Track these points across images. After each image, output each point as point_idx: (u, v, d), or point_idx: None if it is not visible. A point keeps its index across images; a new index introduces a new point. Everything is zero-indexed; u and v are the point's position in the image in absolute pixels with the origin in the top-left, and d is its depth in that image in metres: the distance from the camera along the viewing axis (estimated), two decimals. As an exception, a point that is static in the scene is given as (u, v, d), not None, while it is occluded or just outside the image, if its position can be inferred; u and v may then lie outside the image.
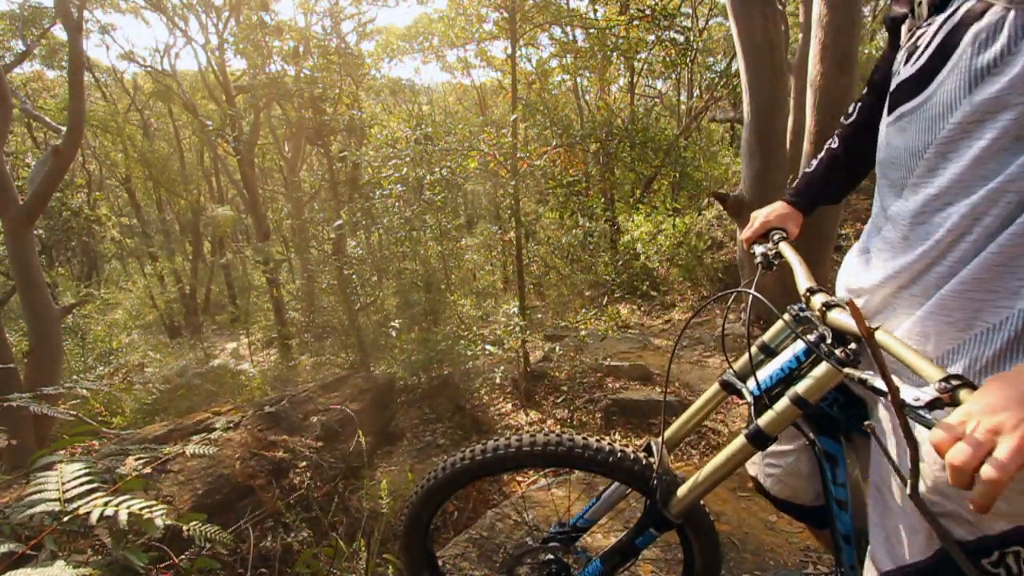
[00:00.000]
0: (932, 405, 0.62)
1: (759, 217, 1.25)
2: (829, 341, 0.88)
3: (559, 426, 4.42)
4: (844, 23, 4.96)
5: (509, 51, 5.60)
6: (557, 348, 5.52)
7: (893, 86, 0.88)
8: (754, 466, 1.31)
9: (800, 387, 0.90)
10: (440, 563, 1.91)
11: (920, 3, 0.85)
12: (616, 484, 1.21)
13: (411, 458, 4.35)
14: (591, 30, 8.45)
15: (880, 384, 0.69)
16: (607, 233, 9.17)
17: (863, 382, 0.74)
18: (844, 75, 5.11)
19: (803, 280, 0.96)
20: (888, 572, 0.88)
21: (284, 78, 7.03)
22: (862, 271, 0.96)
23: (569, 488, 2.44)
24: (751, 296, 0.98)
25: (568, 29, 10.48)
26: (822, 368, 0.88)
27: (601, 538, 2.02)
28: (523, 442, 1.12)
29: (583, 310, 5.95)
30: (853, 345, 0.85)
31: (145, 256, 18.70)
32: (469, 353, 4.95)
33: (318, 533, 2.51)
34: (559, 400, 4.74)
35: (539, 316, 8.33)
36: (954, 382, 0.60)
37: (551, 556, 1.24)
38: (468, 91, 19.45)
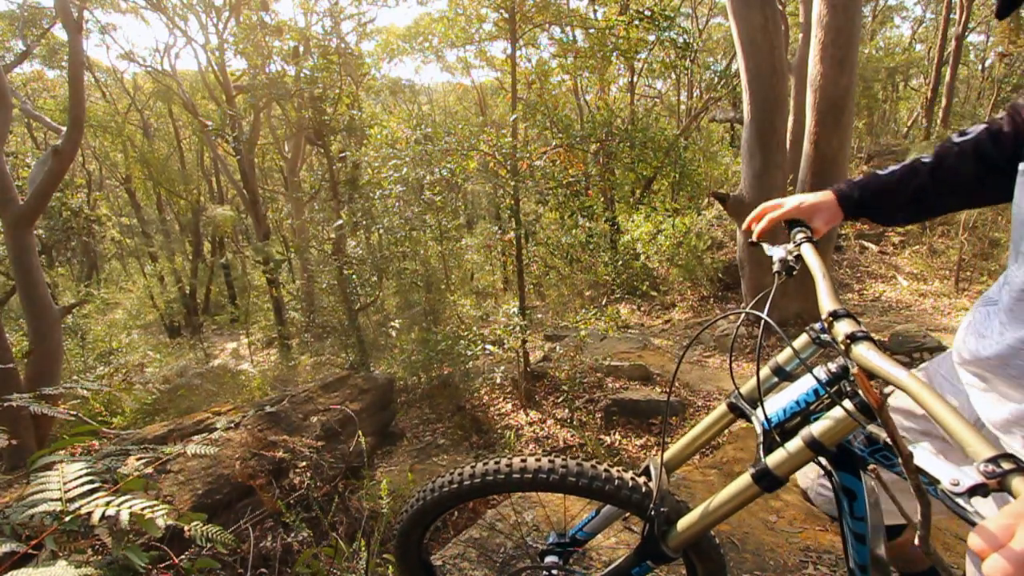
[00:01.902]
0: (974, 491, 0.51)
1: (792, 201, 1.06)
2: (852, 378, 0.77)
3: (559, 426, 4.42)
4: (844, 23, 4.97)
5: (509, 51, 5.61)
6: (557, 348, 5.52)
7: None
8: (806, 479, 1.22)
9: (816, 429, 0.80)
10: (441, 563, 1.91)
11: None
12: None
13: (411, 458, 4.35)
14: (591, 30, 8.45)
15: (928, 463, 0.58)
16: (607, 233, 9.18)
17: (886, 445, 0.62)
18: (844, 75, 5.11)
19: (827, 299, 0.81)
20: None
21: (284, 78, 7.03)
22: (976, 331, 0.85)
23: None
24: (763, 319, 0.85)
25: (568, 29, 10.49)
26: (841, 412, 0.78)
27: (601, 539, 2.02)
28: (513, 467, 1.08)
29: (583, 310, 5.96)
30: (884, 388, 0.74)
31: (145, 256, 18.71)
32: (469, 353, 4.95)
33: (318, 533, 2.51)
34: (559, 400, 4.74)
35: (539, 316, 8.33)
36: (1006, 465, 0.48)
37: (549, 573, 1.21)
38: (468, 91, 19.48)
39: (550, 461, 1.08)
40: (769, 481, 0.86)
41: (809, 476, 1.22)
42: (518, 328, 4.78)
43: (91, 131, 14.99)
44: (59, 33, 12.54)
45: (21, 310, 6.19)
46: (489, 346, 4.89)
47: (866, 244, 9.55)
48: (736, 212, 5.91)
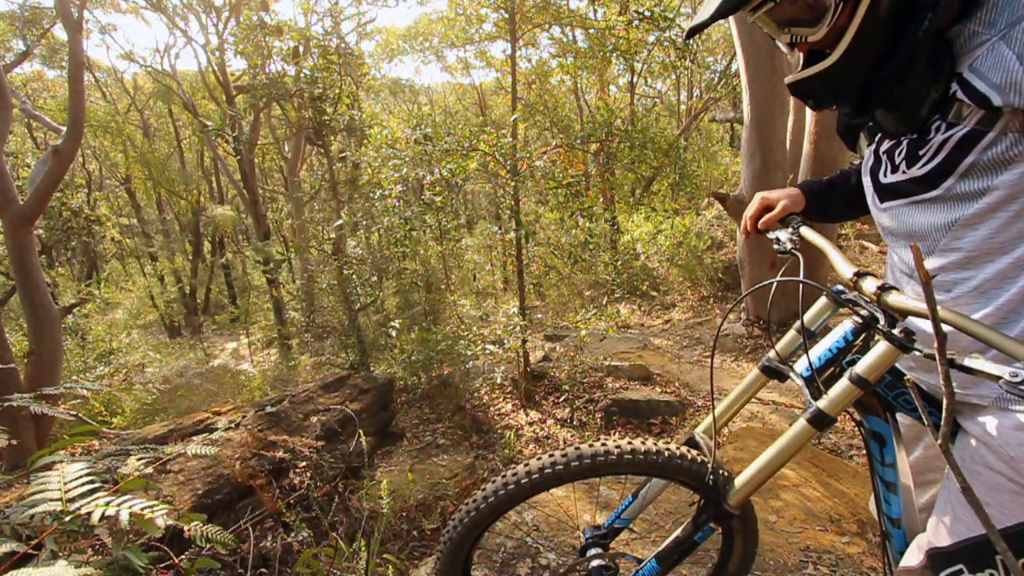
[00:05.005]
0: None
1: (779, 198, 1.21)
2: (883, 322, 0.90)
3: (559, 426, 4.42)
4: (844, 23, 4.96)
5: (509, 51, 5.61)
6: (557, 348, 5.53)
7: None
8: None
9: (860, 367, 0.91)
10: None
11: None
12: (654, 480, 1.21)
13: (411, 458, 4.34)
14: (591, 30, 8.45)
15: (984, 366, 0.67)
16: (607, 233, 9.18)
17: (956, 365, 0.72)
18: (844, 75, 5.11)
19: (846, 264, 0.95)
20: (944, 547, 0.88)
21: (284, 78, 7.01)
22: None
23: (572, 488, 2.44)
24: (800, 284, 0.98)
25: (568, 29, 10.49)
26: (882, 347, 0.89)
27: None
28: (569, 457, 1.10)
29: (583, 310, 5.96)
30: (907, 325, 0.87)
31: (145, 256, 18.72)
32: (469, 353, 4.95)
33: (318, 533, 2.51)
34: (559, 400, 4.74)
35: (539, 316, 8.33)
36: None
37: (600, 563, 1.21)
38: (468, 91, 19.47)
39: (603, 445, 1.13)
40: (823, 421, 0.96)
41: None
42: (518, 328, 4.78)
43: (91, 131, 14.99)
44: (59, 33, 12.56)
45: (21, 310, 6.19)
46: (489, 346, 4.88)
47: (866, 244, 9.55)
48: (736, 212, 5.91)
